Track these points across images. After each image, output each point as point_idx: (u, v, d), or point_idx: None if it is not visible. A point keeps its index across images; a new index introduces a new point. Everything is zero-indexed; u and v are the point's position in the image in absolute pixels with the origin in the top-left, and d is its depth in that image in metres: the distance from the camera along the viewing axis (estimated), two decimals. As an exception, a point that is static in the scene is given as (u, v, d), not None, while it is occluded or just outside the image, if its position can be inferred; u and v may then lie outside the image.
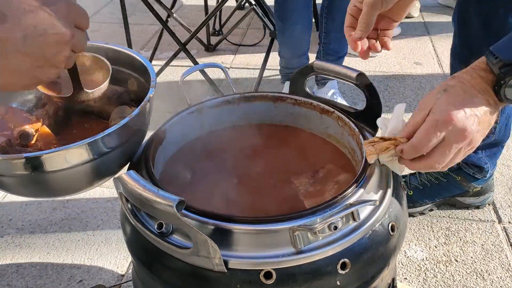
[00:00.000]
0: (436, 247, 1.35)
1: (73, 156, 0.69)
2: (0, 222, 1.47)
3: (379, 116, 0.92)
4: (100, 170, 0.75)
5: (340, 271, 0.68)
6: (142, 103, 0.75)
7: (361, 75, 0.89)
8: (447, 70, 2.30)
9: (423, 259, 1.31)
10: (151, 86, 0.79)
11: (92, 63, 0.84)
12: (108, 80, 0.81)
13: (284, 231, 0.66)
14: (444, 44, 2.52)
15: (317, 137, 0.98)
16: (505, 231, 1.39)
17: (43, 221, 1.47)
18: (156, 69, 2.21)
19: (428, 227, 1.42)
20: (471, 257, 1.31)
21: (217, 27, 2.79)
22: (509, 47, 0.69)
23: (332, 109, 0.93)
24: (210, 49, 2.59)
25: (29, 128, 0.80)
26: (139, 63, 0.87)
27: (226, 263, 0.66)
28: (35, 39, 0.53)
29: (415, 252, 1.33)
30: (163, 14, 2.26)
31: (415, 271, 1.28)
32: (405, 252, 1.33)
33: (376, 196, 0.75)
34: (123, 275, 1.28)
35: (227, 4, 2.04)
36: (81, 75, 0.77)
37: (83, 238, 1.40)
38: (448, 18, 2.87)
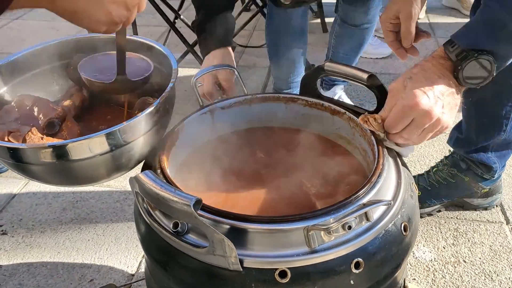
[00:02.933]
0: (444, 248, 1.35)
1: (96, 145, 0.72)
2: (11, 222, 1.49)
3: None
4: (120, 161, 0.77)
5: (354, 271, 0.69)
6: (164, 93, 0.77)
7: (372, 76, 0.90)
8: (453, 71, 2.30)
9: (431, 260, 1.31)
10: (172, 77, 0.81)
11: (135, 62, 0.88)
12: (150, 73, 0.86)
13: (298, 231, 0.67)
14: (450, 45, 2.52)
15: (328, 139, 0.99)
16: (513, 232, 1.39)
17: (53, 221, 1.48)
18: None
19: (436, 228, 1.42)
20: (480, 258, 1.32)
21: (224, 29, 2.80)
22: (466, 35, 0.80)
23: (343, 110, 0.93)
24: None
25: (55, 118, 0.82)
26: (162, 55, 0.89)
27: (241, 262, 0.67)
28: None
29: (424, 253, 1.34)
30: (170, 15, 2.27)
31: (424, 271, 1.28)
32: (414, 253, 1.33)
33: (389, 196, 0.76)
34: (133, 275, 1.29)
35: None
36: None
37: (93, 238, 1.41)
38: (453, 20, 2.87)
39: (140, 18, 2.79)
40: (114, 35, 0.77)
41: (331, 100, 0.97)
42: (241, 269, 0.67)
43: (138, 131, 0.76)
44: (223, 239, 0.63)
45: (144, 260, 1.21)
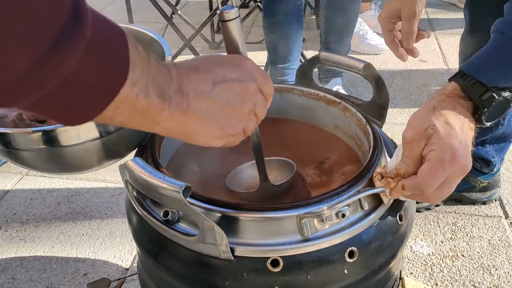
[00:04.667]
0: (442, 242, 1.34)
1: (85, 131, 0.71)
2: (5, 216, 1.47)
3: (386, 108, 0.92)
4: (110, 149, 0.76)
5: (348, 260, 0.67)
6: None
7: (368, 65, 0.88)
8: (452, 66, 2.29)
9: (429, 254, 1.30)
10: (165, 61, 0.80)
11: None
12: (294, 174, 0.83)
13: (291, 219, 0.66)
14: (449, 41, 2.51)
15: (323, 130, 0.97)
16: (512, 227, 1.38)
17: (48, 215, 1.47)
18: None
19: (434, 222, 1.41)
20: (478, 252, 1.30)
21: (222, 24, 2.79)
22: (486, 70, 0.69)
23: (338, 100, 0.92)
24: (215, 46, 2.58)
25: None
26: (155, 42, 0.87)
27: (232, 251, 0.65)
28: (223, 85, 0.56)
29: (421, 247, 1.32)
30: (167, 11, 2.26)
31: (421, 266, 1.27)
32: (411, 247, 1.32)
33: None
34: (127, 269, 1.28)
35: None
36: None
37: (88, 232, 1.40)
38: (452, 15, 2.86)
39: (137, 15, 2.78)
40: None
41: (326, 91, 0.96)
42: (232, 258, 0.65)
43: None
44: (213, 227, 0.62)
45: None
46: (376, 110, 0.92)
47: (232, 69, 0.58)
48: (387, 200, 0.70)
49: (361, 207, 0.70)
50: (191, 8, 3.20)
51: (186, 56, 2.31)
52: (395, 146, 0.86)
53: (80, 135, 0.71)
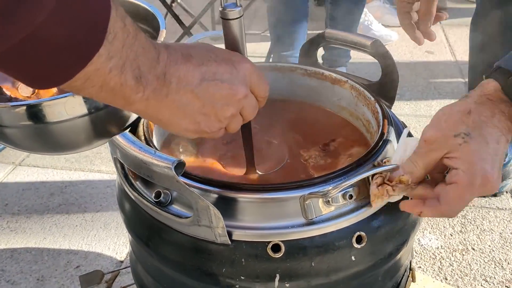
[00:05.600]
0: (451, 235, 1.28)
1: (73, 106, 0.66)
2: (-4, 207, 1.42)
3: (396, 88, 0.86)
4: (99, 126, 0.71)
5: (356, 245, 0.62)
6: None
7: (375, 42, 0.83)
8: (459, 58, 2.23)
9: (438, 248, 1.24)
10: (158, 39, 0.74)
11: None
12: None
13: (294, 200, 0.60)
14: (457, 32, 2.45)
15: (329, 111, 0.91)
16: (524, 220, 1.32)
17: (40, 206, 1.41)
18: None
19: (442, 214, 1.35)
20: (489, 246, 1.24)
21: (223, 16, 2.74)
22: None
23: (344, 79, 0.86)
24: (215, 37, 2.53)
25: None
26: (151, 15, 0.82)
27: (230, 234, 0.60)
28: (210, 84, 0.53)
29: (430, 240, 1.26)
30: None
31: (430, 259, 1.21)
32: (419, 240, 1.26)
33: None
34: (122, 261, 1.22)
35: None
36: None
37: (81, 224, 1.34)
38: (459, 5, 2.78)
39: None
40: None
41: (332, 70, 0.90)
42: (230, 242, 0.60)
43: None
44: (208, 206, 0.56)
45: (133, 245, 1.15)
46: (385, 90, 0.86)
47: (226, 68, 0.55)
48: (376, 205, 0.62)
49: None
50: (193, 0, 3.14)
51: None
52: (405, 127, 0.80)
53: (67, 110, 0.66)
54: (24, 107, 0.65)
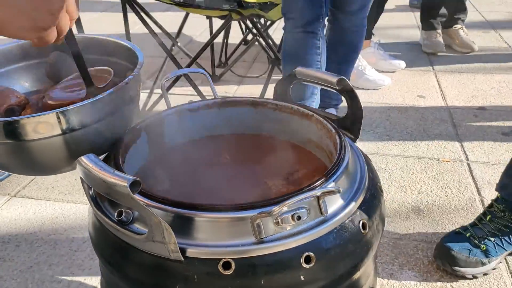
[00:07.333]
0: None
1: (48, 124, 0.70)
2: (-13, 236, 1.46)
3: (360, 121, 0.91)
4: (76, 147, 0.74)
5: (304, 265, 0.65)
6: (119, 84, 0.75)
7: (341, 80, 0.88)
8: (450, 103, 2.28)
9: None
10: (136, 68, 0.80)
11: (96, 72, 0.86)
12: (111, 76, 0.84)
13: (245, 220, 0.64)
14: (448, 78, 2.51)
15: (296, 145, 0.96)
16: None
17: (30, 236, 1.45)
18: (158, 96, 2.24)
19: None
20: None
21: (223, 59, 2.84)
22: None
23: (311, 113, 0.91)
24: (215, 79, 2.62)
25: (16, 105, 0.82)
26: (132, 53, 0.88)
27: (184, 251, 0.63)
28: None
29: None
30: (169, 45, 2.31)
31: (407, 295, 1.21)
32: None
33: (348, 192, 0.73)
34: (103, 291, 1.24)
35: (232, 41, 2.06)
36: None
37: (68, 253, 1.37)
38: (450, 54, 2.85)
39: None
40: None
41: (301, 105, 0.95)
42: (182, 259, 0.63)
43: (92, 115, 0.73)
44: (160, 222, 0.60)
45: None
46: (351, 124, 0.91)
47: None
48: None
49: (321, 212, 0.68)
50: (196, 45, 3.26)
51: (184, 88, 2.34)
52: (367, 159, 0.84)
53: (43, 128, 0.70)
54: (1, 124, 0.69)
